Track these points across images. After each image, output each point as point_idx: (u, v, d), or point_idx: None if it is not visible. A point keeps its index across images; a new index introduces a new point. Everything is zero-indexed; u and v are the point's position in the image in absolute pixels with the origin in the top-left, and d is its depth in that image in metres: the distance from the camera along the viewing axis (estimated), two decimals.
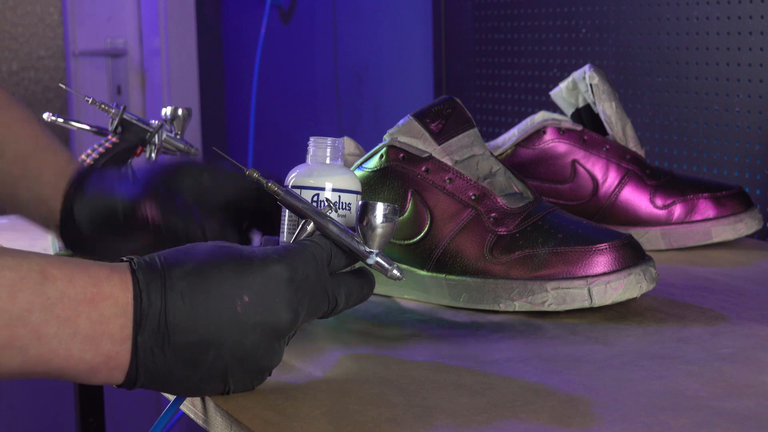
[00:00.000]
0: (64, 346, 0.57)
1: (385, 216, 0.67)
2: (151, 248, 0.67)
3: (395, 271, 0.68)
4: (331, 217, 0.68)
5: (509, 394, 0.66)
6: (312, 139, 0.76)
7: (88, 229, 0.82)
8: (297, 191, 0.73)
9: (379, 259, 0.68)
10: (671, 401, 0.64)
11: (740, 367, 0.70)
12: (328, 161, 0.76)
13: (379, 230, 0.67)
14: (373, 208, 0.67)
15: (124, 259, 0.61)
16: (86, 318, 0.57)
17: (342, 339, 0.79)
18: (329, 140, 0.76)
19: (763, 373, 0.69)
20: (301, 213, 0.67)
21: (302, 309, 0.62)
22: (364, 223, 0.67)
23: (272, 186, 0.67)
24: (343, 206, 0.74)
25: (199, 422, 0.70)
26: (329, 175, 0.74)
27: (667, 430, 0.59)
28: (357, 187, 0.75)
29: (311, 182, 0.74)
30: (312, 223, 0.67)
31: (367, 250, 0.67)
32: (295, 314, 0.62)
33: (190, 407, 0.71)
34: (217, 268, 0.60)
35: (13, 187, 0.86)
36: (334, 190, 0.74)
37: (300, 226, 0.68)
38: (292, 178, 0.75)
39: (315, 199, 0.73)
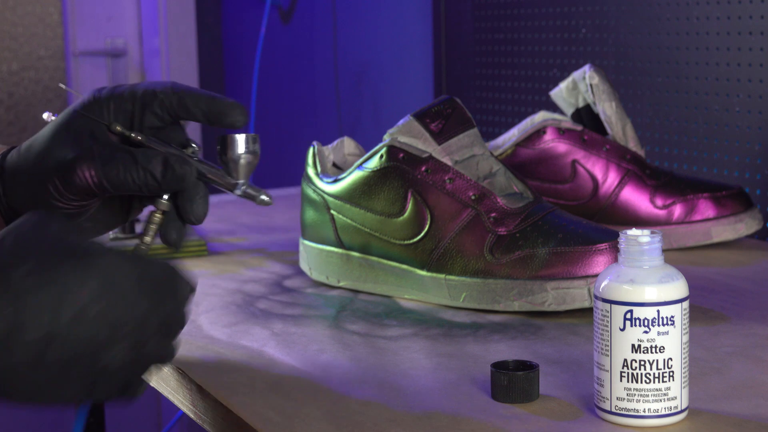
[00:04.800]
0: None
1: (247, 147, 0.68)
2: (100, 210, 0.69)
3: (264, 197, 0.69)
4: (195, 155, 0.69)
5: None
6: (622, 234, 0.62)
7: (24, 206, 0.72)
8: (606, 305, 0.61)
9: (246, 189, 0.69)
10: None
11: (740, 367, 0.70)
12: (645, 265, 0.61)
13: (242, 161, 0.68)
14: (235, 141, 0.68)
15: None
16: None
17: (342, 339, 0.79)
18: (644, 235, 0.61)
19: (763, 373, 0.69)
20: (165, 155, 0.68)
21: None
22: (228, 156, 0.68)
23: (136, 136, 0.68)
24: (664, 321, 0.60)
25: (200, 422, 0.70)
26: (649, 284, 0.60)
27: (668, 430, 0.59)
28: (683, 293, 0.61)
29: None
30: None
31: (233, 181, 0.69)
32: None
33: (191, 407, 0.71)
34: (54, 269, 0.56)
35: None
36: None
37: None
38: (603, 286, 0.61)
39: (628, 316, 0.60)
